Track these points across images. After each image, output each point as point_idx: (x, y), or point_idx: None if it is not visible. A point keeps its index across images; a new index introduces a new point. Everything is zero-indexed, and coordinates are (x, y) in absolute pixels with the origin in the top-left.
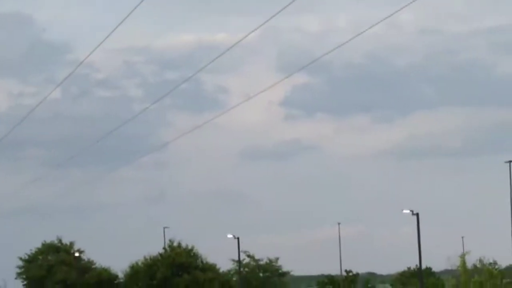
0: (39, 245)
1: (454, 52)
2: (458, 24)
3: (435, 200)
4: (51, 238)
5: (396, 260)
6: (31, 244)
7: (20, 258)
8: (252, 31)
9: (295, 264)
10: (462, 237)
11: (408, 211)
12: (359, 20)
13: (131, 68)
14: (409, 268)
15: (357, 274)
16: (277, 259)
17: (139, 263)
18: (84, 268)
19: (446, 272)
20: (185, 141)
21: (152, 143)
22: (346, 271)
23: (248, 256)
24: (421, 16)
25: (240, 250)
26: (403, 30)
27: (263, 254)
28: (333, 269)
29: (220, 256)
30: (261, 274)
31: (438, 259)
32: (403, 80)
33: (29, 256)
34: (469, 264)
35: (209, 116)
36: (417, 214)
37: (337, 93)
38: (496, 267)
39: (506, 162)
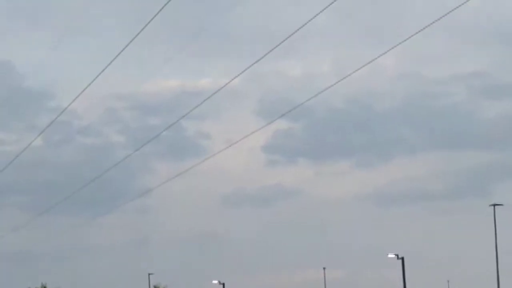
0: None
1: (435, 96)
2: (439, 68)
3: (419, 245)
4: (35, 284)
5: None
6: None
7: None
8: (235, 77)
9: None
10: (448, 281)
11: (393, 255)
12: (342, 64)
13: (113, 114)
14: None
15: None
16: None
17: None
18: None
19: None
20: (168, 187)
21: (135, 189)
22: None
23: None
24: (402, 60)
25: None
26: (385, 74)
27: None
28: None
29: None
30: None
31: None
32: (384, 124)
33: None
34: None
35: (191, 162)
36: (402, 258)
37: (318, 138)
38: None
39: (490, 205)
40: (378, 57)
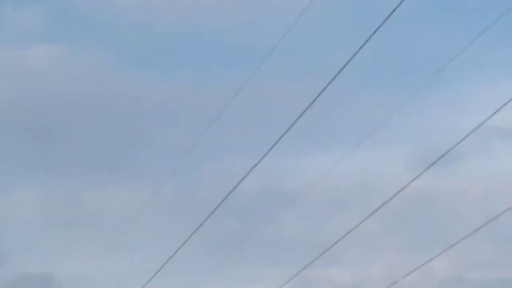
0: None
1: None
2: (485, 272)
3: None
4: None
5: None
6: None
7: None
8: (284, 284)
9: None
10: None
11: None
12: (391, 270)
13: None
14: None
15: None
16: None
17: None
18: None
19: None
20: None
21: None
22: None
23: None
24: (450, 265)
25: None
26: (433, 278)
27: None
28: None
29: None
30: None
31: None
32: None
33: None
34: None
35: None
36: None
37: None
38: None
39: None
40: (425, 263)
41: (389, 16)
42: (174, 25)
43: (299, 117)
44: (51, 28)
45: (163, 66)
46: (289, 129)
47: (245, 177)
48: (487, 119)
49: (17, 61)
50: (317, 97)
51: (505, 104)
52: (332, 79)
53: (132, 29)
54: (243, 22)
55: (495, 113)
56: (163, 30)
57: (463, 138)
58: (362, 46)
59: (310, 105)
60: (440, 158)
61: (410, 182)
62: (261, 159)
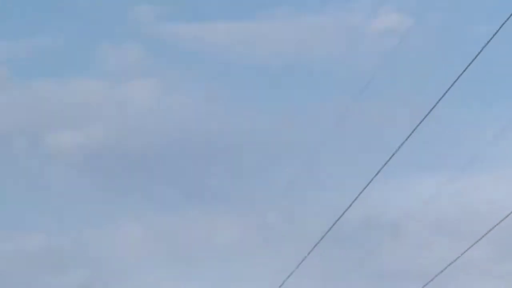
0: None
1: None
2: None
3: None
4: None
5: None
6: None
7: None
8: None
9: None
10: None
11: None
12: None
13: None
14: None
15: None
16: None
17: None
18: None
19: None
20: None
21: None
22: None
23: None
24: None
25: None
26: None
27: None
28: None
29: None
30: None
31: None
32: None
33: None
34: None
35: None
36: None
37: None
38: None
39: None
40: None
41: (495, 33)
42: (270, 57)
43: (402, 143)
44: (147, 63)
45: (261, 98)
46: (393, 155)
47: (351, 205)
48: None
49: (115, 96)
50: (420, 122)
51: None
52: (437, 102)
53: (228, 63)
54: (341, 49)
55: None
56: (258, 62)
57: None
58: (467, 67)
59: (413, 130)
60: None
61: None
62: (365, 187)
